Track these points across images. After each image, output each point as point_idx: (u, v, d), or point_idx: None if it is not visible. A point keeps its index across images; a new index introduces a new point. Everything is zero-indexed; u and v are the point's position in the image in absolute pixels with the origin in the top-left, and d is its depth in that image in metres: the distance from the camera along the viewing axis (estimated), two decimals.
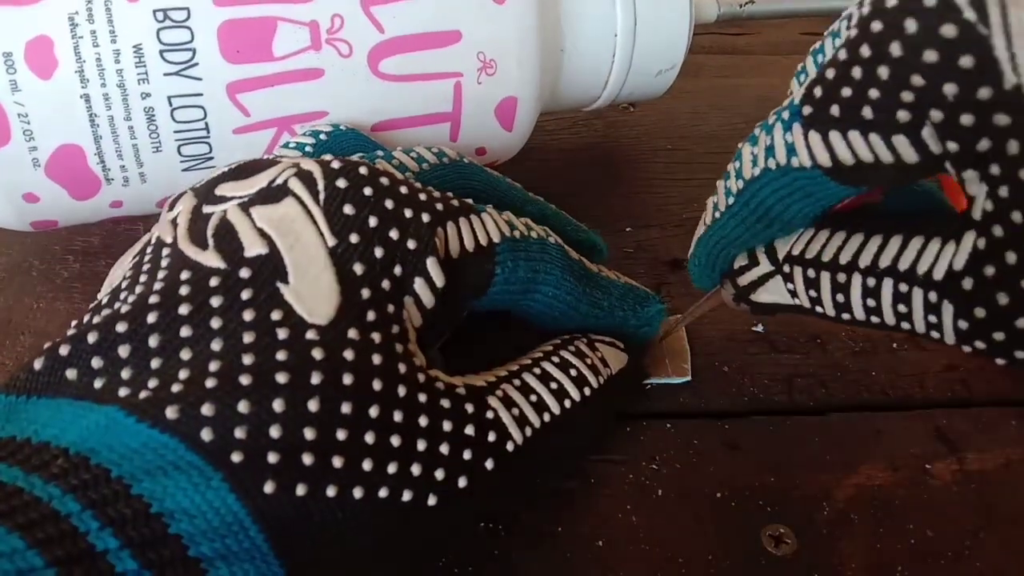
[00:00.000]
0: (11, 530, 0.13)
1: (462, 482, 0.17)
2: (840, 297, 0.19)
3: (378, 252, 0.18)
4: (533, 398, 0.20)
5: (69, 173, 0.25)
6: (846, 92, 0.16)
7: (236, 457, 0.15)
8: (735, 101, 0.39)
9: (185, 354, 0.16)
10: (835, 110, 0.17)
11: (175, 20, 0.23)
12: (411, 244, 0.19)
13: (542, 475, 0.21)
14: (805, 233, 0.19)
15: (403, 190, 0.20)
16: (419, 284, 0.19)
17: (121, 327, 0.16)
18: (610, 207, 0.33)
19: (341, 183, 0.19)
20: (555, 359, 0.21)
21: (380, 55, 0.25)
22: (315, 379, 0.16)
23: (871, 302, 0.18)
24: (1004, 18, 0.14)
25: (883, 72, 0.16)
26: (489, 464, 0.18)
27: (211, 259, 0.17)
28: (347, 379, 0.16)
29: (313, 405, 0.15)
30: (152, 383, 0.15)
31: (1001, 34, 0.14)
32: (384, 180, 0.19)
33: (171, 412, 0.15)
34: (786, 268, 0.20)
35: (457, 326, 0.21)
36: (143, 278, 0.17)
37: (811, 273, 0.19)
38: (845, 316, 0.19)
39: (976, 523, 0.22)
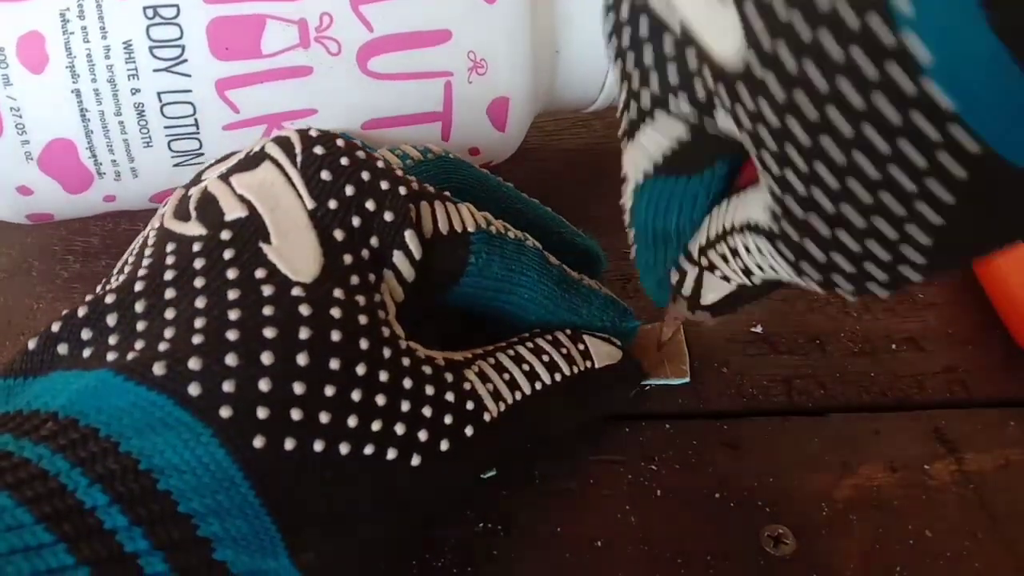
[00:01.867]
0: (0, 489, 0.13)
1: (444, 445, 0.18)
2: (738, 262, 0.18)
3: (355, 221, 0.18)
4: (506, 376, 0.20)
5: (62, 167, 0.25)
6: (623, 94, 0.17)
7: (225, 412, 0.15)
8: None
9: (169, 313, 0.16)
10: (630, 113, 0.17)
11: (165, 17, 0.23)
12: (387, 216, 0.19)
13: (517, 450, 0.21)
14: (703, 223, 0.19)
15: (379, 164, 0.20)
16: (398, 257, 0.19)
17: (109, 299, 0.16)
18: (609, 208, 0.32)
19: (318, 150, 0.19)
20: (529, 344, 0.21)
21: (369, 53, 0.25)
22: (303, 334, 0.16)
23: (750, 259, 0.18)
24: None
25: (628, 62, 0.16)
26: (469, 431, 0.18)
27: (193, 228, 0.17)
28: (335, 336, 0.16)
29: (302, 359, 0.16)
30: (139, 344, 0.15)
31: None
32: (360, 154, 0.20)
33: (158, 368, 0.15)
34: (703, 261, 0.20)
35: (428, 314, 0.21)
36: (131, 259, 0.18)
37: (719, 249, 0.19)
38: (753, 279, 0.19)
39: (975, 523, 0.22)
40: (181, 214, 0.18)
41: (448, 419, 0.18)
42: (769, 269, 0.17)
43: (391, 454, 0.17)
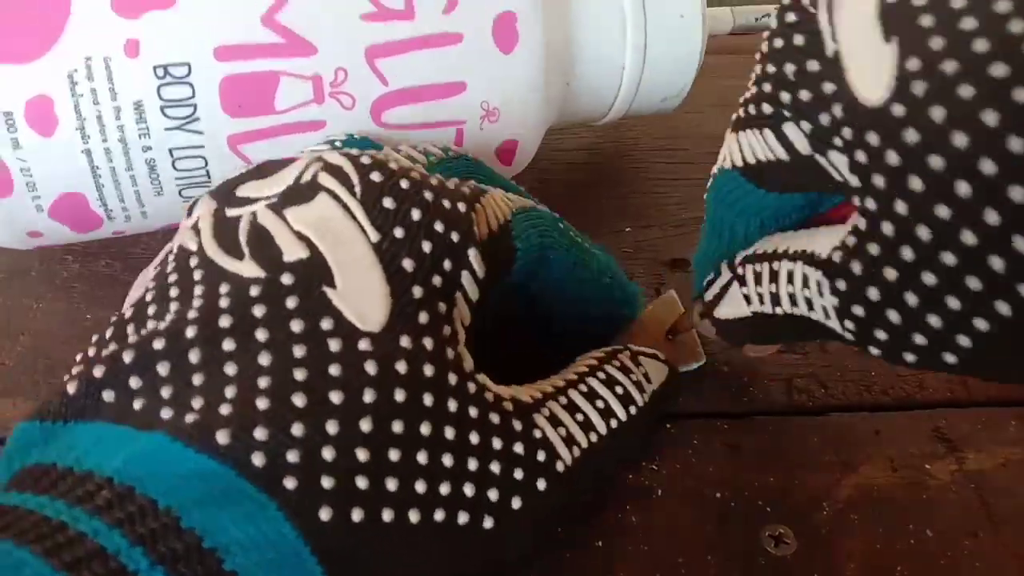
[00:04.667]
0: (57, 569, 0.12)
1: (516, 503, 0.17)
2: (773, 287, 0.18)
3: (426, 247, 0.17)
4: (579, 417, 0.19)
5: (71, 215, 0.25)
6: (752, 91, 0.17)
7: (290, 483, 0.14)
8: (735, 101, 0.39)
9: (230, 368, 0.15)
10: (748, 110, 0.18)
11: (176, 76, 0.23)
12: (454, 236, 0.18)
13: (591, 495, 0.21)
14: (762, 241, 0.19)
15: (434, 182, 0.19)
16: (465, 277, 0.18)
17: (158, 344, 0.15)
18: (609, 207, 0.33)
19: (376, 176, 0.18)
20: (600, 375, 0.20)
21: (383, 106, 0.25)
22: (368, 397, 0.15)
23: (790, 288, 0.18)
24: None
25: (769, 67, 0.17)
26: (541, 484, 0.17)
27: (249, 268, 0.16)
28: (399, 396, 0.15)
29: (366, 425, 0.15)
30: (196, 403, 0.14)
31: (824, 8, 0.15)
32: (416, 174, 0.19)
33: (222, 437, 0.14)
34: (739, 271, 0.20)
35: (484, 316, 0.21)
36: (174, 292, 0.16)
37: (757, 268, 0.19)
38: (778, 310, 0.18)
39: (976, 523, 0.22)
40: (229, 246, 0.17)
41: (519, 474, 0.17)
42: (803, 303, 0.17)
43: (463, 518, 0.16)
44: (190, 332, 0.15)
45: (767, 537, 0.21)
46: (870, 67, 0.14)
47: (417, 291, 0.17)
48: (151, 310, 0.16)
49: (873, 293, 0.15)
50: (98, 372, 0.15)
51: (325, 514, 0.14)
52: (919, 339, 0.15)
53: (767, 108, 0.17)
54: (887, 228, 0.14)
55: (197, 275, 0.16)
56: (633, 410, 0.20)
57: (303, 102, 0.24)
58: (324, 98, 0.24)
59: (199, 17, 0.23)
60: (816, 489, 0.23)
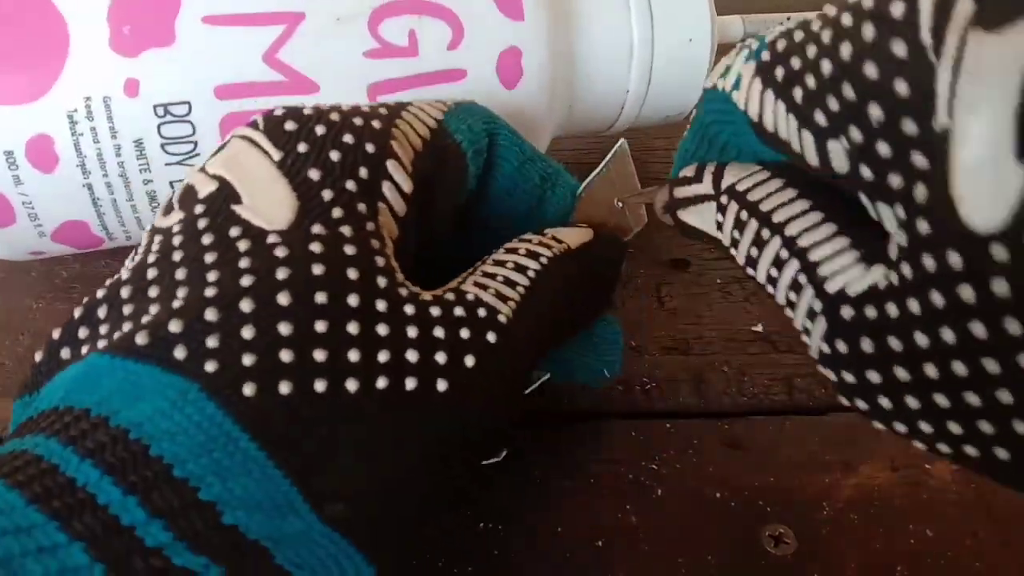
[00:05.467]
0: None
1: (469, 361, 0.17)
2: (754, 251, 0.17)
3: (334, 156, 0.18)
4: (499, 278, 0.19)
5: (73, 237, 0.25)
6: (795, 63, 0.15)
7: (210, 366, 0.14)
8: None
9: (153, 292, 0.16)
10: (779, 72, 0.16)
11: (176, 115, 0.23)
12: (369, 147, 0.18)
13: (544, 350, 0.20)
14: (757, 172, 0.18)
15: (346, 108, 0.19)
16: (387, 188, 0.18)
17: (99, 294, 0.16)
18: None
19: (279, 111, 0.19)
20: (500, 251, 0.20)
21: None
22: (281, 274, 0.15)
23: (774, 272, 0.17)
24: (960, 51, 0.11)
25: (825, 66, 0.14)
26: (491, 337, 0.17)
27: (174, 217, 0.17)
28: (317, 269, 0.16)
29: (283, 299, 0.15)
30: (126, 326, 0.15)
31: (949, 68, 0.12)
32: (324, 106, 0.19)
33: (140, 338, 0.14)
34: (723, 199, 0.18)
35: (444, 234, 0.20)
36: (127, 263, 0.18)
37: (743, 215, 0.18)
38: (750, 271, 0.18)
39: (976, 523, 0.22)
40: (166, 210, 0.18)
41: (465, 333, 0.17)
42: (783, 296, 0.16)
43: (410, 384, 0.16)
44: (124, 276, 0.16)
45: (767, 537, 0.21)
46: (988, 180, 0.11)
47: (327, 193, 0.17)
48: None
49: (875, 377, 0.14)
50: (56, 334, 0.16)
51: (249, 389, 0.14)
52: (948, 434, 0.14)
53: (819, 115, 0.15)
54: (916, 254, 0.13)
55: (143, 242, 0.18)
56: (544, 260, 0.20)
57: None
58: None
59: (199, 55, 0.23)
60: (816, 489, 0.23)
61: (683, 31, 0.28)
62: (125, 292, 0.16)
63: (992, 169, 0.11)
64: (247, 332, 0.15)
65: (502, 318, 0.18)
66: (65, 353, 0.16)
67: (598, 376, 0.23)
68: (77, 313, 0.16)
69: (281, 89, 0.24)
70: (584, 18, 0.27)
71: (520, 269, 0.19)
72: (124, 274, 0.17)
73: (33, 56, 0.22)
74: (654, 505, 0.22)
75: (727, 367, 0.26)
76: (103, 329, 0.16)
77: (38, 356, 0.16)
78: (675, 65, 0.29)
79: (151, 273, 0.16)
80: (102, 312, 0.16)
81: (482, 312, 0.17)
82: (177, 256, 0.16)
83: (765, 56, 0.16)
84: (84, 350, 0.16)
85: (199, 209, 0.17)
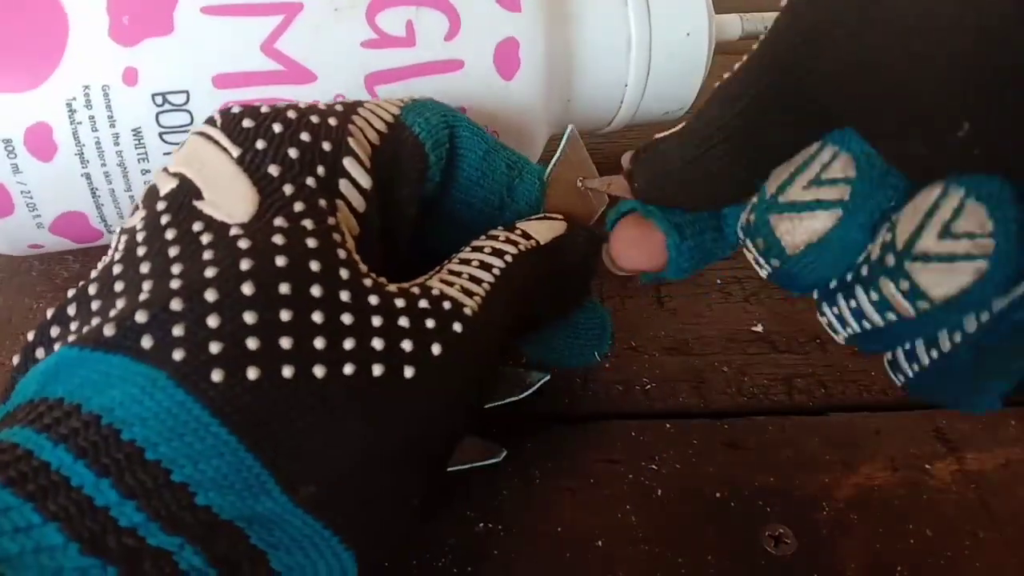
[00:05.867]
0: None
1: (436, 349, 0.17)
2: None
3: (292, 153, 0.18)
4: (465, 276, 0.19)
5: (72, 230, 0.25)
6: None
7: (178, 354, 0.14)
8: None
9: (119, 287, 0.16)
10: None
11: (174, 104, 0.23)
12: (325, 145, 0.19)
13: (511, 341, 0.21)
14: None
15: (302, 106, 0.19)
16: (344, 185, 0.18)
17: (70, 294, 0.17)
18: (609, 207, 0.33)
19: (236, 110, 0.19)
20: (466, 249, 0.20)
21: None
22: (245, 265, 0.16)
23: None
24: None
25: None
26: (457, 327, 0.17)
27: (137, 216, 0.17)
28: (280, 261, 0.16)
29: (248, 289, 0.15)
30: (95, 321, 0.16)
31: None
32: (281, 104, 0.19)
33: (108, 330, 0.15)
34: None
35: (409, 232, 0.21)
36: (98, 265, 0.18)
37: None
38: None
39: (976, 523, 0.22)
40: (132, 211, 0.18)
41: (431, 322, 0.17)
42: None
43: (377, 370, 0.16)
44: (92, 275, 0.17)
45: (767, 537, 0.21)
46: None
47: (288, 188, 0.17)
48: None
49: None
50: (31, 336, 0.17)
51: (217, 375, 0.14)
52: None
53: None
54: None
55: (112, 243, 0.18)
56: (509, 258, 0.20)
57: None
58: None
59: (197, 45, 0.23)
60: (816, 489, 0.23)
61: (680, 25, 0.28)
62: (92, 289, 0.16)
63: None
64: (212, 321, 0.15)
65: (467, 311, 0.18)
66: (40, 353, 0.16)
67: (589, 360, 0.23)
68: (49, 314, 0.17)
69: (279, 79, 0.24)
70: (581, 10, 0.27)
71: (485, 267, 0.19)
72: (92, 274, 0.17)
73: (33, 44, 0.22)
74: (654, 505, 0.22)
75: (727, 367, 0.26)
76: (73, 326, 0.16)
77: (15, 360, 0.17)
78: (673, 60, 0.29)
79: (116, 269, 0.16)
80: (72, 310, 0.16)
81: (447, 305, 0.18)
82: (141, 251, 0.16)
83: None
84: (56, 347, 0.16)
85: (161, 206, 0.17)
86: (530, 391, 0.24)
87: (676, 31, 0.28)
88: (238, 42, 0.23)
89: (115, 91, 0.23)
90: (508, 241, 0.20)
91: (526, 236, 0.21)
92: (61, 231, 0.25)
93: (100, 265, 0.17)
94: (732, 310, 0.28)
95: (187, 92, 0.23)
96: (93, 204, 0.24)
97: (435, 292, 0.18)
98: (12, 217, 0.24)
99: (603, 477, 0.23)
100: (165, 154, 0.23)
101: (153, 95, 0.23)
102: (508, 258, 0.20)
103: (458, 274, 0.19)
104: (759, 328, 0.27)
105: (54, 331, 0.16)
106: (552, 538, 0.21)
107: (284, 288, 0.16)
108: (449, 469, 0.22)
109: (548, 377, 0.24)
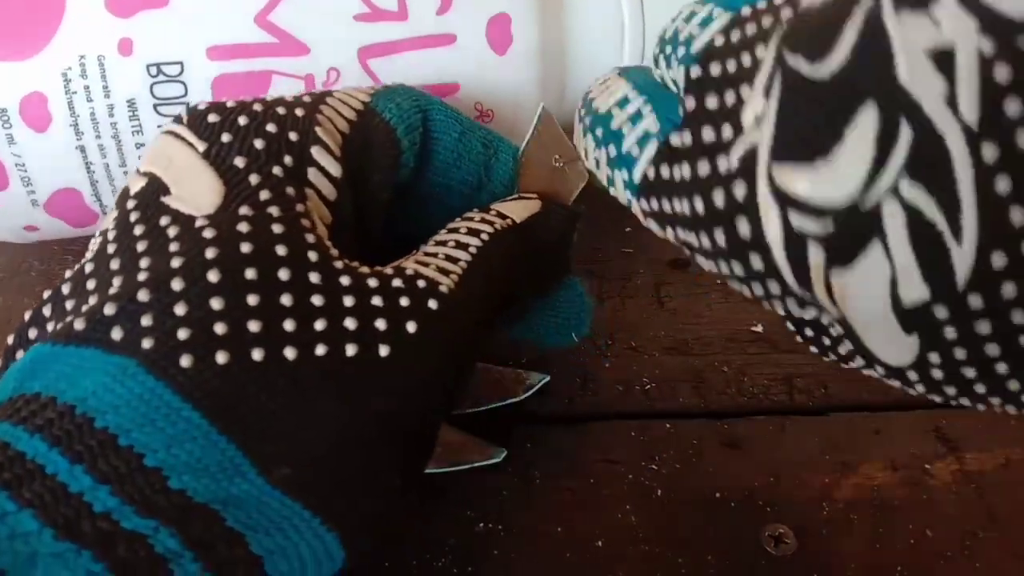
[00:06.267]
0: None
1: (411, 327, 0.17)
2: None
3: (257, 144, 0.18)
4: (440, 256, 0.19)
5: (67, 209, 0.25)
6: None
7: (147, 343, 0.15)
8: None
9: (91, 284, 0.16)
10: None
11: (168, 75, 0.23)
12: (292, 136, 0.19)
13: (488, 319, 0.20)
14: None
15: (269, 99, 0.20)
16: (313, 174, 0.19)
17: (46, 295, 0.17)
18: (609, 207, 0.33)
19: (202, 106, 0.19)
20: (442, 232, 0.20)
21: None
22: (210, 253, 0.16)
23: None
24: None
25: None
26: (432, 304, 0.17)
27: (110, 217, 0.18)
28: (245, 247, 0.16)
29: (213, 276, 0.15)
30: (68, 318, 0.16)
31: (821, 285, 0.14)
32: (246, 99, 0.20)
33: (79, 324, 0.15)
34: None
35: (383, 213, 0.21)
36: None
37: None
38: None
39: (976, 523, 0.22)
40: (108, 214, 0.19)
41: (404, 301, 0.17)
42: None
43: (351, 350, 0.16)
44: (67, 275, 0.17)
45: (767, 537, 0.21)
46: (890, 342, 0.14)
47: (254, 178, 0.18)
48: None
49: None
50: (10, 340, 0.17)
51: (186, 361, 0.15)
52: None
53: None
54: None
55: (90, 244, 0.18)
56: (485, 236, 0.20)
57: None
58: None
59: (192, 16, 0.23)
60: (816, 489, 0.23)
61: (672, 6, 0.28)
62: (66, 289, 0.17)
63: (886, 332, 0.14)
64: (179, 309, 0.15)
65: (443, 288, 0.18)
66: (20, 355, 0.17)
67: (566, 340, 0.23)
68: (27, 316, 0.17)
69: (272, 51, 0.24)
70: None
71: (461, 247, 0.20)
72: (67, 274, 0.17)
73: (29, 14, 0.22)
74: (654, 505, 0.22)
75: (727, 367, 0.26)
76: (49, 326, 0.17)
77: None
78: None
79: (88, 268, 0.17)
80: (47, 311, 0.17)
81: (422, 283, 0.18)
82: (111, 249, 0.17)
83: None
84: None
85: (131, 204, 0.17)
86: (530, 392, 0.24)
87: (669, 15, 0.28)
88: (232, 14, 0.23)
89: (110, 61, 0.23)
90: (484, 221, 0.20)
91: (501, 216, 0.21)
92: (56, 210, 0.25)
93: (75, 267, 0.18)
94: (732, 310, 0.28)
95: (181, 63, 0.23)
96: (88, 180, 0.24)
97: (409, 272, 0.18)
98: (7, 192, 0.24)
99: (603, 477, 0.23)
100: (159, 126, 0.23)
101: (148, 66, 0.23)
102: (484, 236, 0.20)
103: (434, 255, 0.19)
104: (759, 328, 0.27)
105: (32, 332, 0.17)
106: (552, 538, 0.21)
107: (250, 273, 0.16)
108: (449, 469, 0.22)
109: (548, 378, 0.24)
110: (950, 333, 0.13)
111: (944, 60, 0.11)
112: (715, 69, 0.16)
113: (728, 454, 0.23)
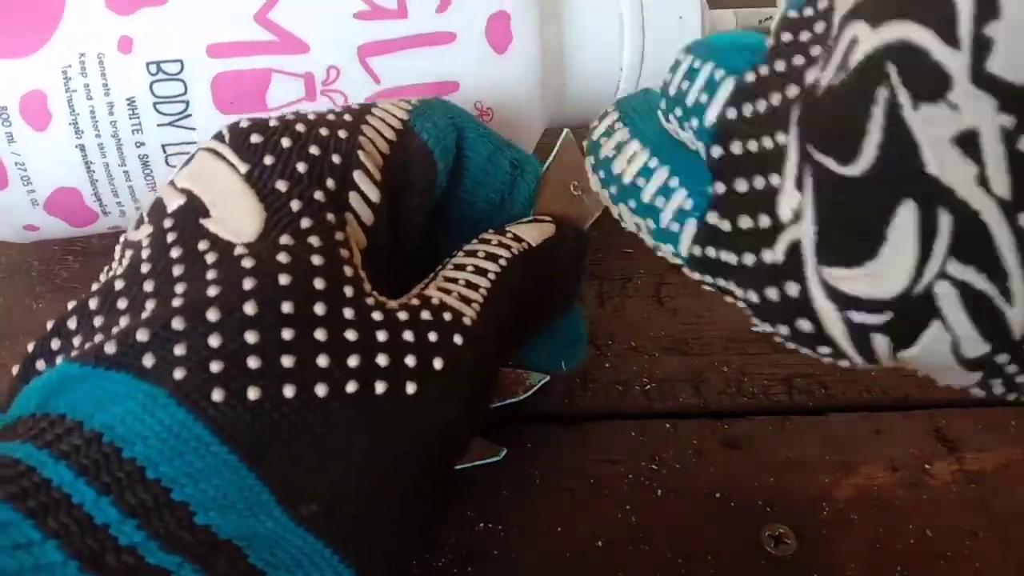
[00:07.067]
0: None
1: (438, 363, 0.17)
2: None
3: (301, 167, 0.18)
4: (461, 282, 0.19)
5: (67, 210, 0.25)
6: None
7: (179, 373, 0.14)
8: None
9: (122, 304, 0.16)
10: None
11: (168, 73, 0.23)
12: (335, 159, 0.18)
13: (507, 345, 0.20)
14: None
15: (312, 117, 0.19)
16: (354, 199, 0.18)
17: (71, 306, 0.17)
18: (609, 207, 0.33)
19: (244, 124, 0.19)
20: (459, 255, 0.20)
21: None
22: (247, 284, 0.16)
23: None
24: None
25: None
26: (458, 339, 0.17)
27: (143, 231, 0.17)
28: (283, 279, 0.16)
29: (250, 308, 0.15)
30: (98, 338, 0.16)
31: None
32: (289, 116, 0.19)
33: (109, 347, 0.15)
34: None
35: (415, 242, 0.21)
36: (101, 278, 0.18)
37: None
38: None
39: (976, 523, 0.22)
40: (137, 223, 0.18)
41: (433, 336, 0.17)
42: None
43: (380, 387, 0.16)
44: (94, 288, 0.17)
45: (767, 537, 0.21)
46: (953, 378, 0.15)
47: (295, 204, 0.17)
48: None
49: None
50: (31, 348, 0.17)
51: (218, 395, 0.14)
52: None
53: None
54: None
55: (115, 254, 0.18)
56: (503, 262, 0.20)
57: (295, 99, 0.24)
58: (316, 96, 0.24)
59: (192, 14, 0.23)
60: (816, 489, 0.23)
61: (672, 8, 0.28)
62: (94, 304, 0.16)
63: None
64: (214, 340, 0.15)
65: (467, 320, 0.18)
66: (40, 365, 0.16)
67: (554, 367, 0.23)
68: (49, 326, 0.17)
69: (272, 49, 0.24)
70: None
71: (480, 272, 0.19)
72: (94, 287, 0.17)
73: (29, 11, 0.22)
74: (654, 505, 0.22)
75: (727, 367, 0.26)
76: (76, 340, 0.16)
77: (15, 370, 0.17)
78: (667, 46, 0.29)
79: (119, 285, 0.16)
80: (72, 324, 0.16)
81: (447, 316, 0.18)
82: (145, 268, 0.16)
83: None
84: (58, 361, 0.16)
85: (168, 223, 0.17)
86: (530, 392, 0.24)
87: (668, 14, 0.28)
88: (232, 12, 0.23)
89: (110, 59, 0.23)
90: (501, 245, 0.20)
91: (517, 239, 0.21)
92: (56, 210, 0.25)
93: (102, 277, 0.17)
94: (732, 310, 0.28)
95: (181, 61, 0.23)
96: (87, 179, 0.24)
97: (435, 302, 0.18)
98: (7, 191, 0.24)
99: (603, 477, 0.23)
100: (159, 125, 0.24)
101: (148, 63, 0.23)
102: (503, 262, 0.20)
103: (455, 280, 0.19)
104: (759, 328, 0.27)
105: (55, 344, 0.16)
106: (552, 538, 0.21)
107: (287, 307, 0.16)
108: None
109: (548, 378, 0.24)
110: (1011, 369, 0.14)
111: (969, 143, 0.12)
112: (736, 148, 0.16)
113: (728, 454, 0.23)
